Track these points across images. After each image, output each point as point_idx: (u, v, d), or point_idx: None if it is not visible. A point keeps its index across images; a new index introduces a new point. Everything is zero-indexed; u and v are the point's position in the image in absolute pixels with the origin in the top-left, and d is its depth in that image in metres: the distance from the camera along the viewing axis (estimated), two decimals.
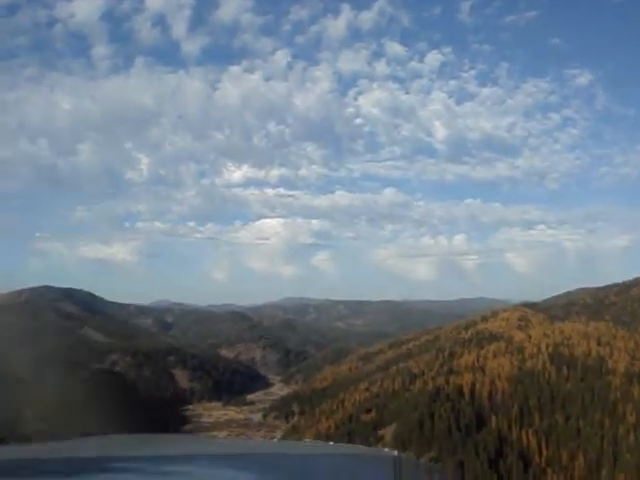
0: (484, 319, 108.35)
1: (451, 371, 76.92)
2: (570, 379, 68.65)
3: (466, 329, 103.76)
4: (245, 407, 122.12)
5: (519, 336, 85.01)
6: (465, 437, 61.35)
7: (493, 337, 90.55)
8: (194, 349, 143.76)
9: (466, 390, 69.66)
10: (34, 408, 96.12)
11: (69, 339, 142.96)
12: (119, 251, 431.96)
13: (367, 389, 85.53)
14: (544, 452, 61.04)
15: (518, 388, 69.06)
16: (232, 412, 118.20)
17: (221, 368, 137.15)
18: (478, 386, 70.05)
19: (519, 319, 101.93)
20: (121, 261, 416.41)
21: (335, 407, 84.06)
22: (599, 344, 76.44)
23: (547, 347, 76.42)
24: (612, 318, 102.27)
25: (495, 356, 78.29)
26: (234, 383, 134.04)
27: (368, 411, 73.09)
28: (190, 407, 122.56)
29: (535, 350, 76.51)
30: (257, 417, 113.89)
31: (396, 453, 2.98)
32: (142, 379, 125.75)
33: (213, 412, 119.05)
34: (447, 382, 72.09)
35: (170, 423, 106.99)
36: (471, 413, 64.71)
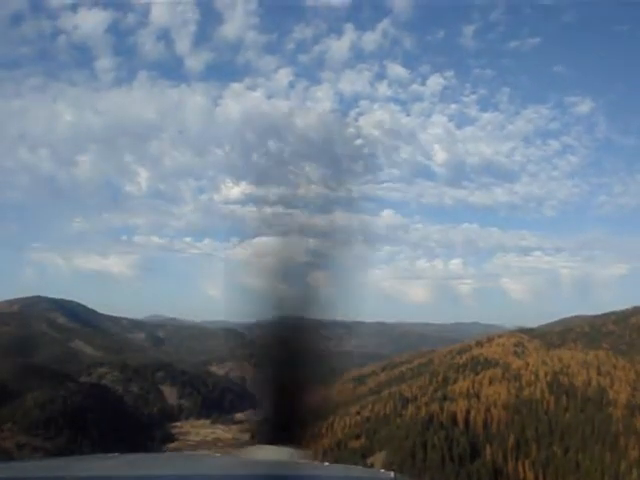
0: (479, 344, 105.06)
1: (445, 397, 73.55)
2: (569, 409, 65.32)
3: (460, 354, 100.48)
4: (234, 426, 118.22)
5: (516, 363, 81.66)
6: (459, 468, 58.00)
7: (488, 363, 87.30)
8: (184, 365, 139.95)
9: (460, 418, 66.26)
10: (16, 420, 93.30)
11: (58, 351, 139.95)
12: (115, 264, 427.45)
13: (358, 413, 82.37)
14: None
15: (515, 417, 65.68)
16: (220, 431, 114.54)
17: (211, 385, 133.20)
18: (473, 414, 66.67)
19: (515, 345, 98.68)
20: (117, 274, 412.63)
21: (324, 431, 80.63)
22: (599, 374, 73.17)
23: (545, 375, 73.15)
24: (610, 347, 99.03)
25: (491, 383, 75.02)
26: (223, 401, 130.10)
27: (357, 437, 69.74)
28: (178, 424, 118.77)
29: (533, 378, 73.23)
30: (245, 437, 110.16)
31: (392, 475, 2.48)
32: (130, 394, 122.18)
33: (201, 430, 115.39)
34: (441, 409, 68.74)
35: (156, 440, 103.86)
36: (465, 442, 61.27)
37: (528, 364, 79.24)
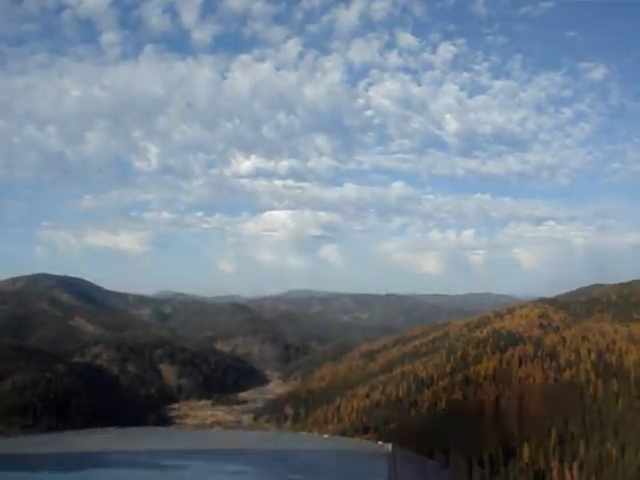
0: (498, 316, 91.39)
1: (467, 380, 59.56)
2: (622, 395, 51.04)
3: (479, 327, 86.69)
4: (236, 406, 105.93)
5: (550, 338, 67.12)
6: (490, 473, 44.26)
7: (513, 338, 73.15)
8: (185, 342, 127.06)
9: (489, 408, 52.25)
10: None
11: (56, 330, 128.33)
12: (126, 240, 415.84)
13: (367, 395, 69.51)
14: None
15: (555, 406, 51.46)
16: (221, 412, 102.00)
17: (213, 363, 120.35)
18: (503, 403, 52.60)
19: (539, 316, 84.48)
20: (128, 250, 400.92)
21: (330, 416, 68.12)
22: None
23: (589, 353, 58.80)
24: None
25: (522, 363, 60.85)
26: (226, 380, 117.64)
27: (365, 431, 56.09)
28: (176, 406, 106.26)
29: (573, 357, 58.93)
30: (247, 419, 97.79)
31: (390, 447, 2.57)
32: (126, 374, 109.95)
33: (200, 412, 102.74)
34: (464, 396, 54.75)
35: (150, 424, 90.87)
36: (496, 440, 47.28)
37: (565, 339, 64.62)
